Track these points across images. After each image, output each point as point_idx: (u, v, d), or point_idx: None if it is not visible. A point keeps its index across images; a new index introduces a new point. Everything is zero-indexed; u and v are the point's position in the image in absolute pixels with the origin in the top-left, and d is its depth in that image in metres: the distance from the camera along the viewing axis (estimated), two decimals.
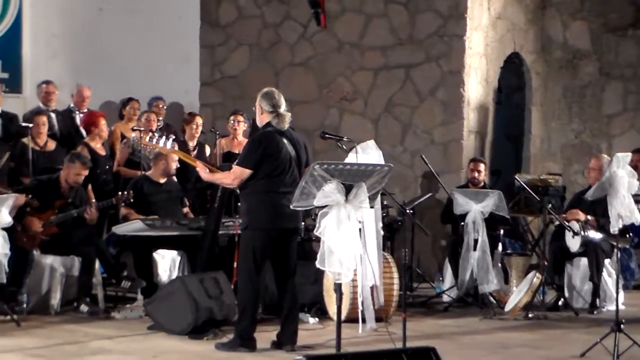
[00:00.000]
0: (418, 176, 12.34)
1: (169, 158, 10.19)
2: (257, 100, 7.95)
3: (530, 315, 9.69)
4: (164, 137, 8.57)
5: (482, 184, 11.19)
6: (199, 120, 11.46)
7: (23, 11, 12.57)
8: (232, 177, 7.85)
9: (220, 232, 9.50)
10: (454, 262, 10.51)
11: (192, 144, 11.31)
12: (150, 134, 10.00)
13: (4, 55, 12.49)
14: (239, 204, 9.13)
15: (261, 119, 7.93)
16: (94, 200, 10.12)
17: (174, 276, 9.74)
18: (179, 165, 10.31)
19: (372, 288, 8.00)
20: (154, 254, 9.85)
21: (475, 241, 10.06)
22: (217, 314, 8.66)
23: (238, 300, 8.04)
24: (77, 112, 11.65)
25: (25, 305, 9.45)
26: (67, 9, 12.81)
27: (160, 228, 9.65)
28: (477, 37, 12.43)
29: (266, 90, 8.00)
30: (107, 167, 10.98)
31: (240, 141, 11.28)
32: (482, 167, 11.25)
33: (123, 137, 11.51)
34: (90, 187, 10.43)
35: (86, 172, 9.92)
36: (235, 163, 8.01)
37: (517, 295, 9.88)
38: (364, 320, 7.65)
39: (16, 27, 12.58)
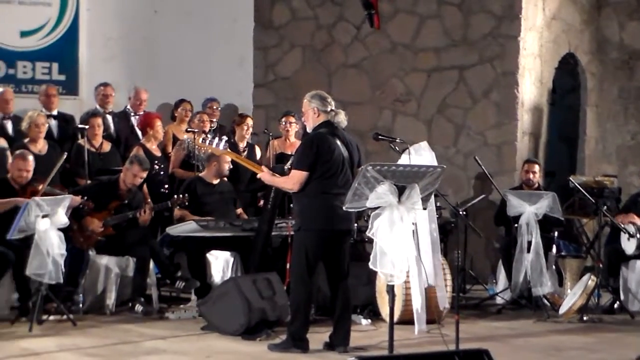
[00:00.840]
0: (471, 178, 12.27)
1: (222, 159, 10.23)
2: (305, 103, 7.93)
3: (584, 318, 9.58)
4: (216, 139, 8.58)
5: (536, 185, 11.08)
6: (249, 122, 11.47)
7: (80, 15, 12.71)
8: (292, 182, 7.80)
9: (273, 233, 9.53)
10: (507, 264, 10.42)
11: (242, 145, 11.32)
12: (204, 135, 10.03)
13: (60, 58, 12.66)
14: (292, 205, 9.14)
15: (315, 121, 7.89)
16: (149, 201, 10.16)
17: (227, 277, 9.78)
18: (231, 167, 10.34)
19: (426, 290, 7.95)
20: (208, 255, 9.89)
21: (529, 243, 9.96)
22: (270, 314, 8.66)
23: (291, 301, 8.03)
24: (134, 114, 11.75)
25: (81, 305, 9.53)
26: (123, 12, 12.91)
27: (214, 229, 9.69)
28: (531, 37, 12.33)
29: (314, 92, 7.99)
30: (162, 167, 11.00)
31: (292, 142, 11.27)
32: (536, 168, 11.14)
33: (175, 138, 11.57)
34: (145, 187, 10.47)
35: (144, 175, 9.98)
36: (290, 167, 7.99)
37: (572, 297, 9.78)
38: (419, 323, 7.60)
39: (73, 31, 12.72)
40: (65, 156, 9.99)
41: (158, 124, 11.10)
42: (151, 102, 12.24)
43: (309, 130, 8.00)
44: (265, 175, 8.05)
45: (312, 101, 7.88)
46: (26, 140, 10.30)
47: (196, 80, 12.63)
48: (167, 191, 10.73)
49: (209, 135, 9.38)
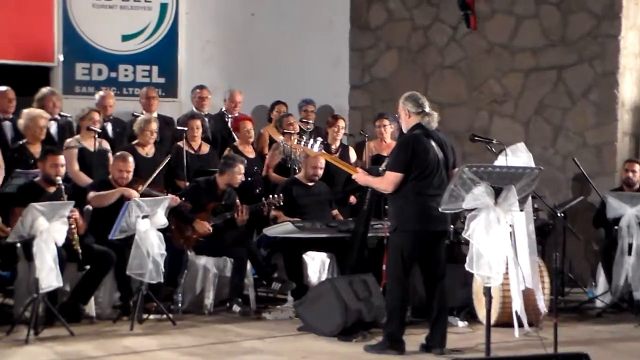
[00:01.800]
0: (569, 179, 12.09)
1: (316, 160, 10.27)
2: (399, 105, 7.92)
3: None
4: (312, 140, 8.61)
5: (637, 186, 10.86)
6: (340, 123, 11.44)
7: (179, 18, 12.86)
8: (386, 182, 7.80)
9: (369, 234, 9.52)
10: (607, 267, 10.24)
11: (334, 146, 11.30)
12: (298, 136, 10.08)
13: (160, 62, 12.82)
14: (388, 206, 9.12)
15: (408, 122, 7.87)
16: (244, 205, 10.24)
17: (323, 278, 9.82)
18: (322, 168, 10.36)
19: (524, 292, 7.86)
20: (304, 256, 9.93)
21: (630, 246, 9.78)
22: (366, 316, 8.66)
23: (387, 303, 8.02)
24: (229, 116, 11.87)
25: (180, 305, 9.66)
26: (220, 15, 13.04)
27: (310, 230, 9.73)
28: (632, 37, 12.10)
29: (408, 93, 7.97)
30: (255, 169, 11.08)
31: (388, 144, 11.24)
32: (636, 167, 10.90)
33: (272, 140, 11.66)
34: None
35: (243, 172, 10.09)
36: (385, 168, 7.99)
37: None
38: (520, 325, 7.52)
39: (172, 35, 12.88)
40: (169, 159, 10.12)
41: (245, 126, 11.19)
42: (247, 104, 12.38)
43: (404, 131, 7.99)
44: (360, 176, 8.06)
45: (405, 103, 7.87)
46: (135, 142, 10.48)
47: (292, 81, 12.68)
48: (261, 192, 10.77)
49: (304, 137, 9.40)
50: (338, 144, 11.40)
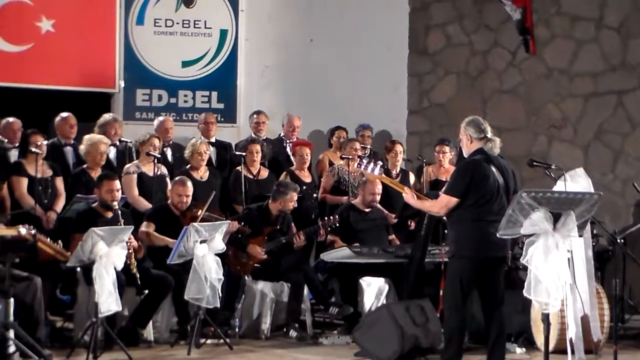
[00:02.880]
0: (630, 205, 11.92)
1: (374, 186, 10.24)
2: (461, 130, 7.85)
3: None
4: (371, 164, 8.57)
5: None
6: (398, 148, 11.44)
7: (238, 44, 12.92)
8: (439, 205, 7.74)
9: (426, 259, 9.47)
10: None
11: (394, 171, 11.30)
12: (359, 160, 10.06)
13: (219, 87, 12.88)
14: (446, 231, 9.04)
15: (469, 147, 7.79)
16: (300, 231, 10.21)
17: (380, 303, 9.77)
18: (379, 193, 10.35)
19: (582, 319, 7.75)
20: (361, 281, 9.88)
21: None
22: (423, 341, 8.60)
23: (444, 329, 7.93)
24: (288, 141, 11.90)
25: (237, 330, 9.64)
26: (279, 41, 13.08)
27: (367, 255, 9.71)
28: None
29: (471, 118, 7.88)
30: (312, 194, 11.10)
31: (447, 169, 11.20)
32: None
33: (331, 164, 11.63)
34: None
35: (295, 199, 10.10)
36: (442, 191, 7.93)
37: None
38: (572, 352, 7.41)
39: (231, 60, 12.93)
40: (212, 196, 10.03)
41: (302, 151, 11.20)
42: (305, 129, 12.41)
43: (465, 155, 7.91)
44: (408, 197, 8.01)
45: (467, 128, 7.79)
46: (188, 166, 10.53)
47: (350, 107, 12.68)
48: (317, 217, 10.77)
49: (364, 160, 9.37)
50: (398, 169, 11.40)
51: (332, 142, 12.11)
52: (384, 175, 8.80)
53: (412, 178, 11.47)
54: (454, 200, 7.58)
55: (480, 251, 7.58)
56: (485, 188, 7.57)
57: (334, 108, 12.75)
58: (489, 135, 7.73)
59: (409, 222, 10.78)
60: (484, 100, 13.03)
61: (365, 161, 8.64)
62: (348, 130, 12.23)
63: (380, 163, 8.93)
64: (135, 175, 10.26)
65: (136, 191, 10.21)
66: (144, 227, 9.48)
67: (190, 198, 9.64)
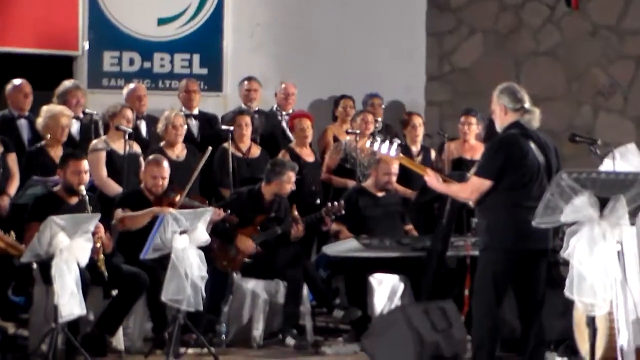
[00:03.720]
0: None
1: (390, 166, 10.21)
2: (493, 98, 7.80)
3: None
4: (387, 142, 8.46)
5: None
6: (417, 120, 11.47)
7: None
8: (469, 189, 7.71)
9: (449, 253, 9.48)
10: None
11: (415, 148, 11.30)
12: (371, 137, 10.03)
13: (202, 50, 12.87)
14: (472, 219, 9.00)
15: (503, 120, 7.75)
16: (296, 213, 10.20)
17: (393, 305, 9.77)
18: (395, 174, 10.34)
19: (635, 323, 7.74)
20: (370, 279, 9.88)
21: None
22: (444, 350, 8.60)
23: (472, 335, 7.94)
24: (283, 113, 11.90)
25: (224, 337, 9.59)
26: None
27: (378, 248, 9.70)
28: None
29: (506, 85, 7.84)
30: (315, 176, 11.12)
31: (472, 145, 11.23)
32: None
33: (336, 141, 11.64)
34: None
35: (293, 180, 10.08)
36: (472, 172, 7.90)
37: None
38: None
39: (216, 17, 12.92)
40: (207, 155, 10.04)
41: (302, 125, 11.21)
42: (304, 98, 12.41)
43: (498, 130, 7.86)
44: (432, 179, 7.94)
45: (500, 97, 7.75)
46: (162, 144, 10.51)
47: (357, 72, 12.72)
48: (320, 203, 10.77)
49: (377, 138, 9.31)
50: (419, 145, 11.45)
51: (337, 114, 12.10)
52: (402, 155, 8.67)
53: (434, 156, 11.53)
54: (486, 184, 7.56)
55: (517, 243, 7.56)
56: (523, 168, 7.55)
57: (338, 74, 12.76)
58: (527, 105, 7.69)
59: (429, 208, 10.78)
60: (517, 63, 13.06)
61: (378, 140, 8.51)
62: (355, 100, 12.21)
63: (397, 141, 8.86)
64: (104, 153, 10.22)
65: (104, 172, 10.17)
66: (119, 215, 9.45)
67: (167, 180, 9.61)
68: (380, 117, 12.09)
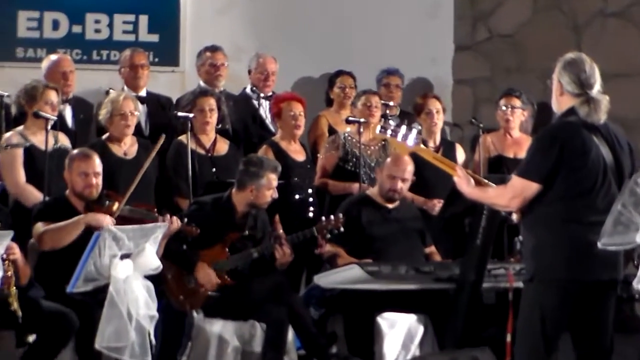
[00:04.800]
0: None
1: (403, 165, 10.23)
2: (555, 73, 7.76)
3: None
4: (403, 127, 8.41)
5: None
6: (435, 105, 11.48)
7: None
8: (509, 194, 7.65)
9: (484, 284, 9.50)
10: None
11: (432, 142, 11.29)
12: (383, 121, 10.04)
13: (152, 9, 12.96)
14: (518, 239, 9.01)
15: (560, 103, 7.72)
16: (281, 232, 10.22)
17: (410, 355, 9.82)
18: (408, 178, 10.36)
19: None
20: (379, 320, 9.93)
21: None
22: None
23: None
24: (259, 96, 11.90)
25: None
26: None
27: (389, 278, 9.69)
28: None
29: (570, 57, 7.75)
30: (307, 180, 11.13)
31: (515, 139, 11.32)
32: None
33: (332, 132, 11.67)
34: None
35: (274, 185, 10.09)
36: (514, 173, 7.87)
37: None
38: None
39: None
40: (159, 146, 10.03)
41: (291, 110, 11.17)
42: (287, 75, 12.46)
43: (555, 111, 7.82)
44: (462, 182, 7.90)
45: (561, 73, 7.66)
46: (105, 137, 10.58)
47: (360, 43, 12.76)
48: (313, 216, 10.83)
49: (390, 122, 9.31)
50: (438, 138, 11.42)
51: (333, 97, 12.14)
52: (422, 146, 8.63)
53: (460, 154, 11.55)
54: (532, 187, 7.50)
55: (574, 271, 7.53)
56: (584, 170, 7.49)
57: (333, 45, 12.83)
58: (593, 92, 7.59)
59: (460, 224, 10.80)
60: (577, 28, 13.08)
61: (392, 123, 8.48)
62: (360, 78, 12.29)
63: (417, 127, 8.86)
64: (21, 151, 10.28)
65: (22, 175, 10.24)
66: (39, 229, 9.47)
67: (100, 180, 9.60)
68: (397, 100, 12.17)
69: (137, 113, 10.72)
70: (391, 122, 9.47)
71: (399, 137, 8.19)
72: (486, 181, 7.97)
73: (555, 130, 7.63)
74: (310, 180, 11.23)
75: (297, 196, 10.97)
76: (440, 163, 8.25)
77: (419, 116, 11.47)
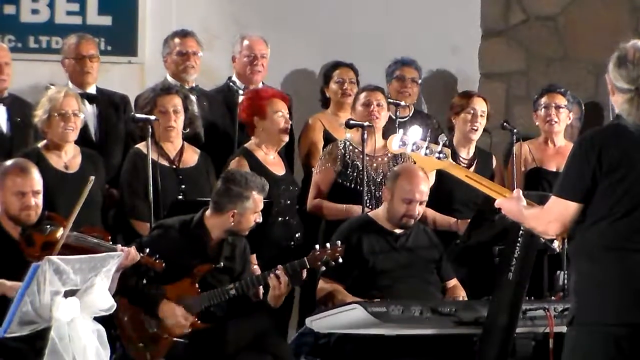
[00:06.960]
0: None
1: (417, 180, 10.28)
2: (609, 68, 7.79)
3: None
4: (419, 134, 8.36)
5: None
6: (480, 105, 11.45)
7: None
8: (546, 218, 7.63)
9: (519, 329, 9.53)
10: None
11: (465, 152, 11.33)
12: (400, 132, 10.08)
13: None
14: (559, 272, 9.05)
15: (615, 104, 7.72)
16: (255, 266, 10.26)
17: None
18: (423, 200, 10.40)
19: None
20: None
21: None
22: None
23: None
24: (240, 91, 11.93)
25: None
26: None
27: (399, 321, 9.72)
28: None
29: (627, 48, 7.81)
30: (289, 199, 11.19)
31: (559, 147, 11.40)
32: None
33: (328, 139, 11.74)
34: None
35: (260, 208, 10.11)
36: (553, 191, 7.90)
37: None
38: None
39: None
40: (92, 181, 10.00)
41: (274, 108, 11.21)
42: (271, 70, 12.42)
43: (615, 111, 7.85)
44: (504, 203, 7.86)
45: (612, 68, 7.70)
46: (41, 144, 10.63)
47: (364, 27, 12.83)
48: (300, 243, 10.91)
49: (400, 131, 9.36)
50: (473, 147, 11.49)
51: (329, 95, 12.21)
52: (451, 160, 8.52)
53: (496, 165, 11.62)
54: (571, 208, 7.48)
55: (623, 313, 7.56)
56: (629, 183, 7.52)
57: (335, 28, 12.93)
58: None
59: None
60: (635, 10, 13.09)
61: (408, 134, 8.39)
62: (363, 70, 12.37)
63: (444, 138, 8.86)
64: None
65: None
66: None
67: (40, 201, 9.63)
68: (412, 98, 12.24)
69: (82, 115, 10.72)
70: (401, 132, 9.32)
71: (423, 151, 8.15)
72: (529, 200, 7.97)
73: (593, 135, 7.58)
74: (292, 198, 11.26)
75: (279, 219, 11.02)
76: (482, 185, 8.08)
77: (456, 116, 11.37)
